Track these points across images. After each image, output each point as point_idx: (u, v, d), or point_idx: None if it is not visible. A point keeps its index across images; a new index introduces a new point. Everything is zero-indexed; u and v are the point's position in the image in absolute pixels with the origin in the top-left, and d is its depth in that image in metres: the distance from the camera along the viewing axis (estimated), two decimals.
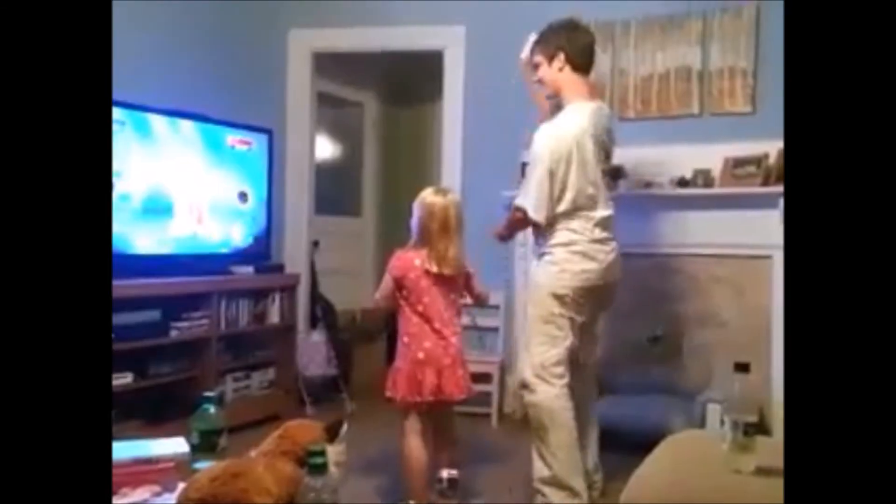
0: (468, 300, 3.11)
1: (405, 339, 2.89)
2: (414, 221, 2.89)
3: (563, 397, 2.94)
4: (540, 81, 3.17)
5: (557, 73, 3.09)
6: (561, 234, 2.98)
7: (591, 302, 3.02)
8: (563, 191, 2.95)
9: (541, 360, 2.96)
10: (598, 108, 3.12)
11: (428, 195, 2.89)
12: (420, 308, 2.85)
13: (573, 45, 3.09)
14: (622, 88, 4.44)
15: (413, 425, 2.86)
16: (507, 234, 3.35)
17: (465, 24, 4.83)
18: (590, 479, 3.09)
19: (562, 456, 2.91)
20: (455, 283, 2.91)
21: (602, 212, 3.01)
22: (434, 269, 2.82)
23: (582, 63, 3.10)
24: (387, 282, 2.91)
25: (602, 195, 3.03)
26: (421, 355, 2.83)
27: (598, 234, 2.99)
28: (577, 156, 2.94)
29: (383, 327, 5.30)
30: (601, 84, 4.49)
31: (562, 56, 3.07)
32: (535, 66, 3.17)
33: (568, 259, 2.96)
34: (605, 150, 3.09)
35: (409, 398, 2.82)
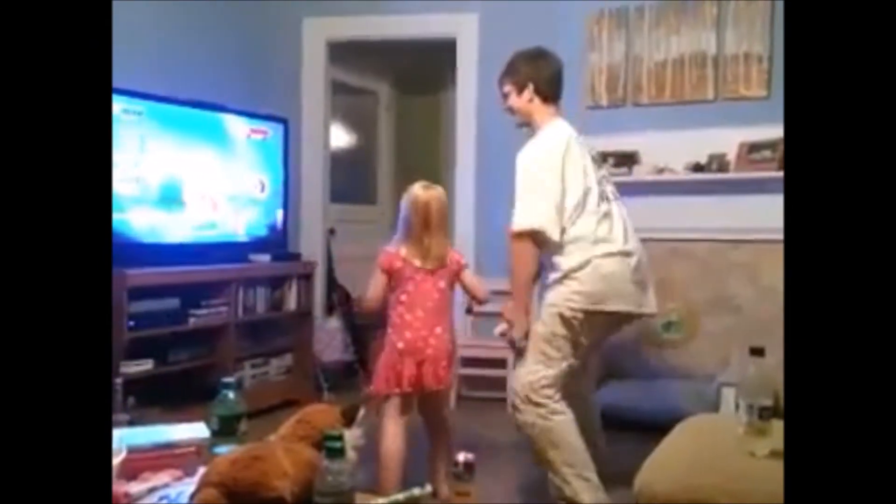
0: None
1: (389, 329, 2.89)
2: (400, 215, 2.89)
3: (554, 412, 2.76)
4: (510, 110, 3.14)
5: (528, 103, 3.08)
6: (571, 252, 2.75)
7: (604, 326, 2.87)
8: (565, 202, 2.76)
9: (531, 379, 2.76)
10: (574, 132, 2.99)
11: (413, 189, 2.89)
12: (403, 298, 2.84)
13: (541, 75, 3.06)
14: (636, 74, 4.43)
15: (390, 414, 2.84)
16: (524, 295, 2.81)
17: (479, 12, 4.82)
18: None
19: (573, 474, 2.74)
20: (443, 274, 2.88)
21: (616, 223, 2.82)
22: (416, 263, 2.82)
23: (551, 93, 3.07)
24: (377, 278, 2.85)
25: (612, 205, 2.87)
26: (401, 345, 2.82)
27: (612, 247, 2.77)
28: (572, 163, 2.79)
29: None
30: (615, 69, 4.49)
31: (531, 87, 3.07)
32: (505, 96, 3.16)
33: (580, 278, 2.74)
34: (597, 158, 3.01)
35: (387, 389, 2.82)
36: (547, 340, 2.77)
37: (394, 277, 2.85)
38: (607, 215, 2.82)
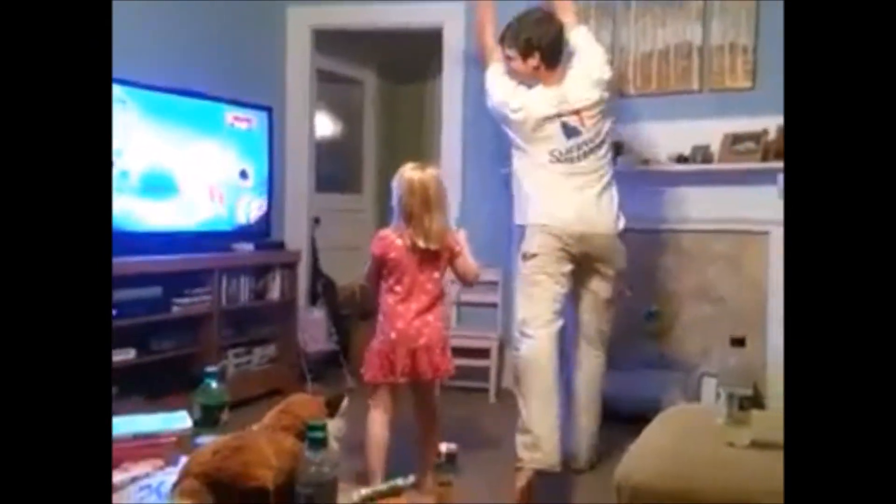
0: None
1: (380, 318, 2.85)
2: (394, 199, 2.82)
3: (540, 347, 3.08)
4: (512, 74, 3.24)
5: (533, 70, 3.15)
6: (527, 207, 3.20)
7: (571, 257, 3.14)
8: (518, 146, 3.20)
9: (521, 317, 3.16)
10: (570, 87, 3.20)
11: (406, 171, 2.81)
12: (398, 288, 2.80)
13: (546, 41, 3.14)
14: (622, 65, 4.42)
15: (378, 403, 2.83)
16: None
17: (465, 1, 4.80)
18: (586, 456, 3.15)
19: (533, 404, 3.04)
20: (439, 260, 2.84)
21: (564, 170, 3.15)
22: (421, 244, 2.75)
23: (555, 58, 3.17)
24: (369, 264, 2.87)
25: (575, 162, 3.16)
26: (393, 335, 2.79)
27: (562, 192, 3.14)
28: (531, 131, 3.17)
29: None
30: None
31: (537, 54, 3.11)
32: (508, 59, 3.21)
33: (530, 220, 3.17)
34: (574, 128, 3.16)
35: (381, 378, 2.79)
36: (523, 282, 3.20)
37: (387, 265, 2.81)
38: (566, 169, 3.15)
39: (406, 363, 2.77)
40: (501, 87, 3.26)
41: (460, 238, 2.91)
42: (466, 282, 3.00)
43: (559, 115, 3.11)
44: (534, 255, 3.14)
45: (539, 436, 2.98)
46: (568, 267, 3.14)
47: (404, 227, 2.78)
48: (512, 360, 3.26)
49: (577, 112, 3.13)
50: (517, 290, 3.26)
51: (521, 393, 3.10)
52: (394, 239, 2.79)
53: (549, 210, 3.15)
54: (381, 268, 2.83)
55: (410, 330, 2.79)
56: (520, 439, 3.04)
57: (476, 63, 4.61)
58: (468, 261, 2.91)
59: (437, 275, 2.85)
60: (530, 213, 3.21)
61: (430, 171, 2.83)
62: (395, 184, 2.81)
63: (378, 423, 2.81)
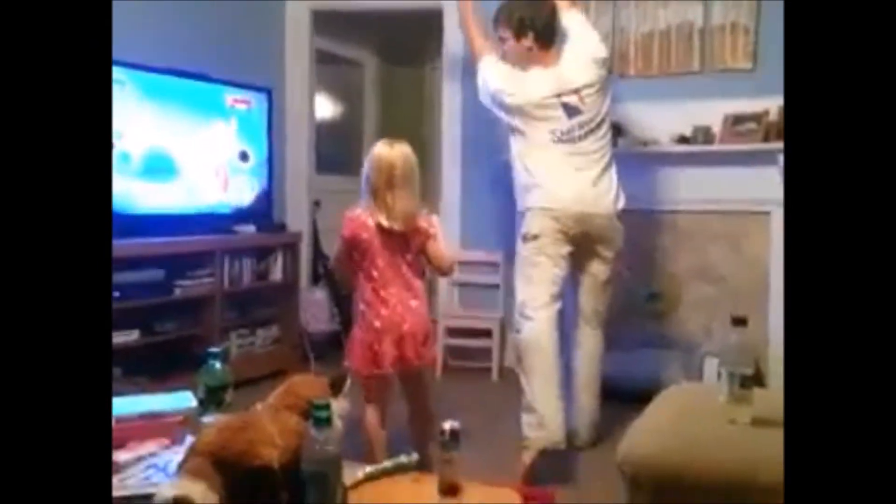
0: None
1: (361, 306, 2.72)
2: (363, 176, 2.70)
3: (542, 328, 3.08)
4: (507, 55, 3.23)
5: (526, 50, 3.15)
6: (529, 188, 3.19)
7: (571, 239, 3.14)
8: (518, 130, 3.19)
9: (521, 299, 3.17)
10: (567, 68, 3.20)
11: (376, 148, 2.70)
12: (374, 273, 2.68)
13: (540, 22, 3.14)
14: (623, 46, 4.41)
15: (370, 398, 2.74)
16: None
17: None
18: (588, 434, 3.18)
19: (536, 384, 3.05)
20: (411, 242, 2.70)
21: (565, 150, 3.14)
22: (384, 222, 2.62)
23: (549, 38, 3.16)
24: (338, 243, 2.76)
25: (577, 142, 3.15)
26: (377, 324, 2.66)
27: (563, 174, 3.14)
28: (531, 111, 3.15)
29: None
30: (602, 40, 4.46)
31: (530, 34, 3.11)
32: (501, 40, 3.21)
33: (531, 202, 3.17)
34: (574, 107, 3.14)
35: (367, 370, 2.66)
36: (522, 264, 3.21)
37: (359, 249, 2.69)
38: (568, 149, 3.13)
39: (392, 353, 2.65)
40: (497, 75, 3.25)
41: (434, 222, 2.77)
42: (440, 270, 2.87)
43: (558, 96, 3.11)
44: (534, 237, 3.14)
45: (544, 415, 3.00)
46: (566, 249, 3.15)
47: (373, 205, 2.67)
48: (513, 341, 3.26)
49: (576, 91, 3.12)
50: (517, 271, 3.27)
51: (525, 373, 3.11)
52: (365, 219, 2.67)
53: (549, 192, 3.15)
54: (353, 250, 2.70)
55: (395, 317, 2.66)
56: (525, 419, 3.06)
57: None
58: (440, 246, 2.76)
59: (410, 256, 2.71)
60: (531, 197, 3.21)
61: (399, 148, 2.69)
62: (366, 160, 2.72)
63: (374, 421, 2.73)
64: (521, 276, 3.22)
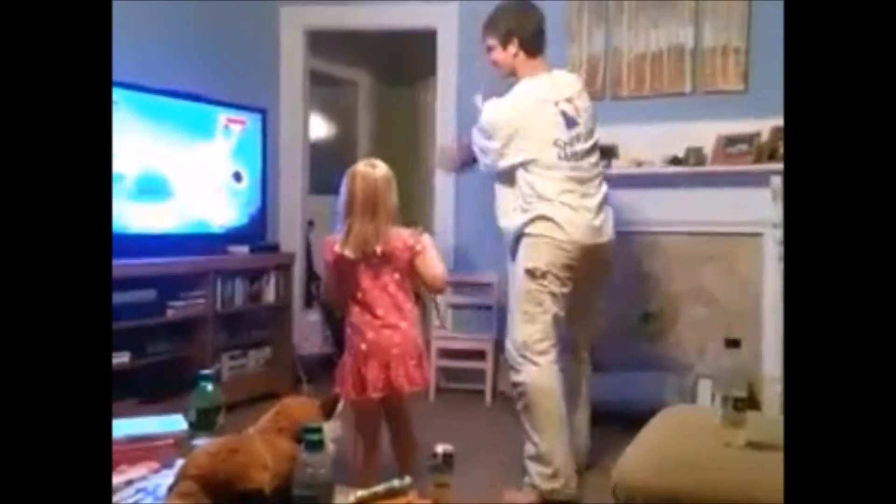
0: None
1: (349, 329, 2.67)
2: (339, 200, 2.67)
3: (549, 375, 2.93)
4: (494, 64, 3.20)
5: (513, 58, 3.13)
6: (530, 209, 2.98)
7: (575, 272, 2.96)
8: (525, 162, 2.98)
9: (522, 338, 2.95)
10: (556, 77, 3.14)
11: (352, 168, 2.65)
12: (359, 295, 2.62)
13: (525, 28, 3.12)
14: (616, 67, 4.44)
15: (358, 425, 2.70)
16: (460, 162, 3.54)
17: (459, 2, 4.81)
18: (579, 459, 3.14)
19: (547, 434, 2.91)
20: (394, 262, 2.62)
21: (572, 173, 2.98)
22: (337, 248, 2.59)
23: (536, 46, 3.14)
24: (324, 270, 2.69)
25: (578, 161, 3.01)
26: (364, 347, 2.60)
27: (572, 200, 2.95)
28: (533, 124, 2.99)
29: None
30: (594, 62, 4.48)
31: (515, 41, 3.10)
32: (489, 49, 3.19)
33: (540, 231, 2.95)
34: (572, 117, 3.04)
35: (353, 394, 2.58)
36: (524, 299, 2.98)
37: (341, 273, 2.64)
38: (573, 171, 2.97)
39: (380, 377, 2.58)
40: (491, 118, 3.14)
41: (423, 239, 2.68)
42: (432, 288, 2.79)
43: (555, 103, 3.04)
44: (543, 275, 2.94)
45: (559, 468, 2.89)
46: (569, 287, 2.99)
47: (342, 230, 2.64)
48: (511, 379, 3.03)
49: (569, 100, 3.06)
50: (516, 305, 3.03)
51: (531, 422, 2.94)
52: (337, 242, 2.65)
53: (559, 224, 2.95)
54: (339, 275, 2.66)
55: (381, 340, 2.60)
56: (535, 468, 2.93)
57: (471, 62, 4.62)
58: (430, 264, 2.67)
59: (397, 276, 2.64)
60: (535, 225, 2.98)
61: (371, 170, 2.62)
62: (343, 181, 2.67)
63: (359, 454, 2.70)
64: (523, 312, 2.98)
